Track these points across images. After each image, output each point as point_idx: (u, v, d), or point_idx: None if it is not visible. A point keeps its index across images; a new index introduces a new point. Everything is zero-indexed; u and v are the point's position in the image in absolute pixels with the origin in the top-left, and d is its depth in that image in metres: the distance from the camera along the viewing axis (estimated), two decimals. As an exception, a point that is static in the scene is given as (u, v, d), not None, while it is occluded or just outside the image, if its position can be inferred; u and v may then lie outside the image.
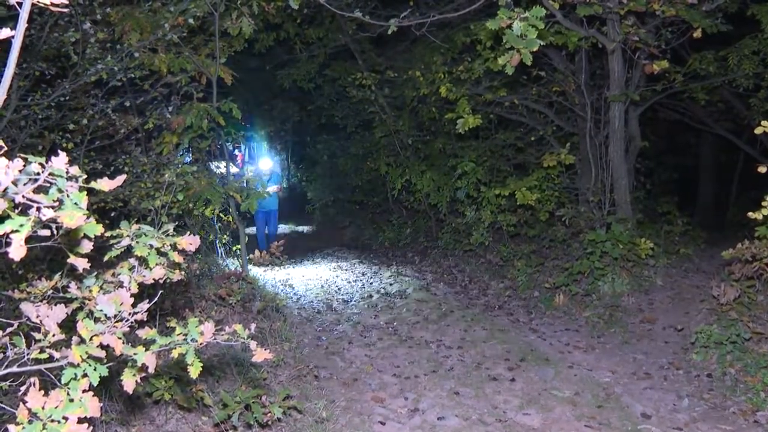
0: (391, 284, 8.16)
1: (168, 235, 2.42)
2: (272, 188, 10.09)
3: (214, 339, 2.34)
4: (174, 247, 2.40)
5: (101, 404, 1.91)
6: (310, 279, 8.37)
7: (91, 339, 1.97)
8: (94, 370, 1.96)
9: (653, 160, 11.10)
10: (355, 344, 5.89)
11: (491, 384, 4.87)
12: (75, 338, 1.97)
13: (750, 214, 5.32)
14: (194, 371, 2.30)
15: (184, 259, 2.45)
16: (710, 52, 8.42)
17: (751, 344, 5.16)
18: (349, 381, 5.00)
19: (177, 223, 4.50)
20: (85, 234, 1.81)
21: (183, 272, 2.56)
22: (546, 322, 6.51)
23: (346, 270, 9.13)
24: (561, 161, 8.08)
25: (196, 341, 2.28)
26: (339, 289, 7.98)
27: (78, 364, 1.93)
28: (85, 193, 1.70)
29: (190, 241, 2.43)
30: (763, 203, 5.31)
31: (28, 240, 1.58)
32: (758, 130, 5.30)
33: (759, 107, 8.78)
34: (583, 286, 7.01)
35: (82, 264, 1.89)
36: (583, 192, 8.44)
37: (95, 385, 1.93)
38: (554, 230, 8.07)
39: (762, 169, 5.37)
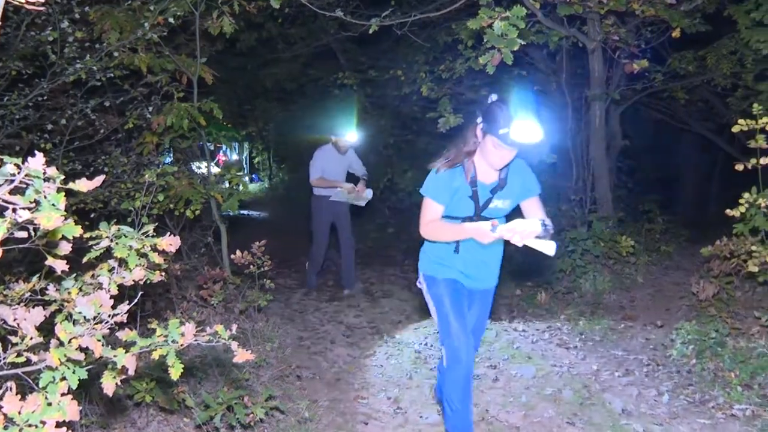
0: (373, 283, 8.17)
1: (148, 236, 2.41)
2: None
3: (195, 340, 2.33)
4: (154, 248, 2.39)
5: (81, 408, 1.90)
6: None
7: (69, 341, 1.96)
8: (73, 373, 1.94)
9: (635, 159, 11.19)
10: (338, 344, 5.89)
11: (474, 382, 4.87)
12: (53, 341, 1.95)
13: (728, 211, 5.40)
14: (175, 373, 2.29)
15: (165, 260, 2.44)
16: (689, 52, 8.51)
17: (729, 340, 5.21)
18: (332, 381, 5.00)
19: (157, 223, 4.47)
20: (63, 235, 1.80)
21: (164, 273, 2.54)
22: (528, 320, 6.53)
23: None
24: (542, 160, 8.12)
25: (177, 342, 2.27)
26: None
27: (56, 368, 1.92)
28: (63, 194, 1.69)
29: (170, 242, 2.42)
30: (741, 201, 5.39)
31: (4, 242, 1.57)
32: (735, 129, 5.40)
33: (737, 106, 8.87)
34: (565, 284, 7.05)
35: (60, 266, 1.88)
36: (564, 190, 8.50)
37: (74, 388, 1.91)
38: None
39: (739, 167, 5.46)
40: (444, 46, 9.02)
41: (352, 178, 7.81)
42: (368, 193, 7.77)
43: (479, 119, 3.34)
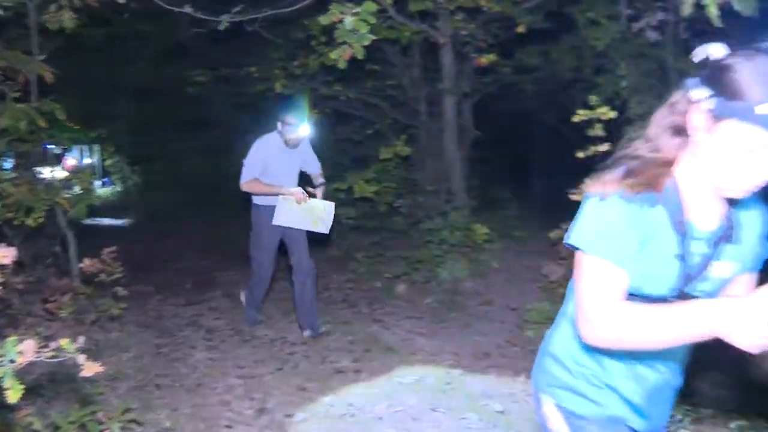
0: (234, 284, 7.98)
1: (-22, 248, 2.25)
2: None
3: (38, 357, 2.20)
4: (-15, 261, 2.23)
5: None
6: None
7: None
8: None
9: (489, 150, 11.62)
10: (198, 348, 5.72)
11: (337, 377, 4.91)
12: None
13: (570, 196, 5.74)
14: (13, 395, 2.15)
15: (1, 273, 2.29)
16: (535, 47, 8.92)
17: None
18: (193, 387, 4.86)
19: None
20: None
21: (0, 288, 2.38)
22: (389, 311, 6.62)
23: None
24: (397, 153, 8.29)
25: (15, 362, 2.13)
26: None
27: None
28: None
29: (3, 254, 2.27)
30: (581, 186, 5.75)
31: None
32: (576, 119, 5.77)
33: (578, 98, 9.40)
34: (424, 274, 7.23)
35: None
36: (420, 182, 8.71)
37: None
38: (393, 221, 8.28)
39: (580, 155, 5.83)
40: (298, 42, 8.96)
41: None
42: (327, 208, 5.73)
43: (697, 91, 1.51)
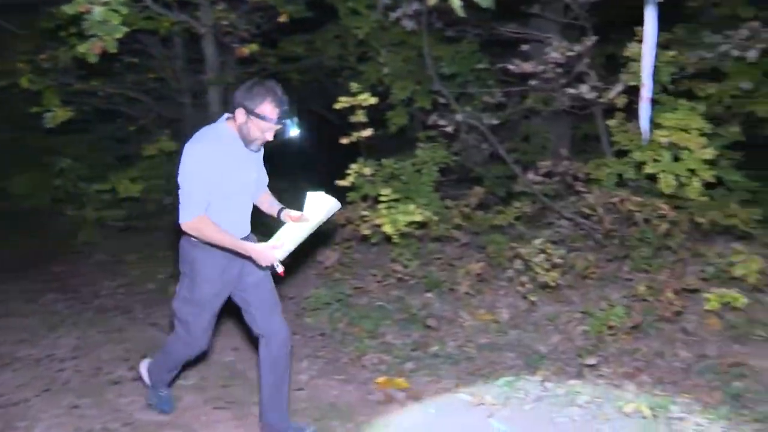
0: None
1: None
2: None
3: None
4: None
5: None
6: None
7: None
8: None
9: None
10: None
11: (113, 388, 4.64)
12: None
13: (337, 182, 5.95)
14: None
15: None
16: (299, 36, 9.03)
17: (353, 299, 5.81)
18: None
19: None
20: None
21: None
22: (165, 313, 6.28)
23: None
24: (162, 149, 8.05)
25: None
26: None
27: None
28: None
29: None
30: (348, 171, 5.99)
31: None
32: (337, 106, 6.00)
33: (343, 86, 9.68)
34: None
35: None
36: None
37: None
38: (164, 219, 8.02)
39: (344, 141, 6.06)
40: (46, 32, 8.29)
41: None
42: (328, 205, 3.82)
43: None
